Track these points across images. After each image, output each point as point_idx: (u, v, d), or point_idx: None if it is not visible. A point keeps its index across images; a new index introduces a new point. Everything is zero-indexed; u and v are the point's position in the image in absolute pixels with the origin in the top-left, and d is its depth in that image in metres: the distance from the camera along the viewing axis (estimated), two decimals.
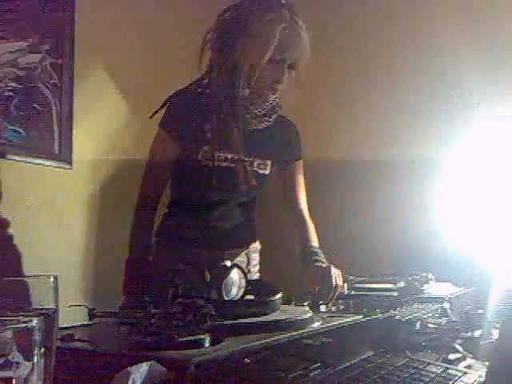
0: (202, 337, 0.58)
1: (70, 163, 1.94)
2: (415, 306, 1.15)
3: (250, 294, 0.91)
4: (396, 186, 2.33)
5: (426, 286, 1.41)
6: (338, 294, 1.28)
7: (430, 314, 1.10)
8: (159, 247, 1.46)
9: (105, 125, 2.13)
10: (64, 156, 1.91)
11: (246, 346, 0.59)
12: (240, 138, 1.35)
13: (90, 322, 0.79)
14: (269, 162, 1.48)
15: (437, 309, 1.17)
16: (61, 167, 1.92)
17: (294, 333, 0.68)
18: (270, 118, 1.44)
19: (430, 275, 1.47)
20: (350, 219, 2.50)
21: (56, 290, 0.61)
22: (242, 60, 1.31)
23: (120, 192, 2.12)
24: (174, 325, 0.59)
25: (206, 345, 0.58)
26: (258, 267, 1.58)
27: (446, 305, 1.24)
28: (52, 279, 0.62)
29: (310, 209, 1.61)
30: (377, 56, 2.57)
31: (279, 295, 0.83)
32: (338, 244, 2.47)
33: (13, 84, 1.77)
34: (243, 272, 0.95)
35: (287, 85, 1.38)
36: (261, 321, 0.71)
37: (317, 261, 1.38)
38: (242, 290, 0.92)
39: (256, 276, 1.55)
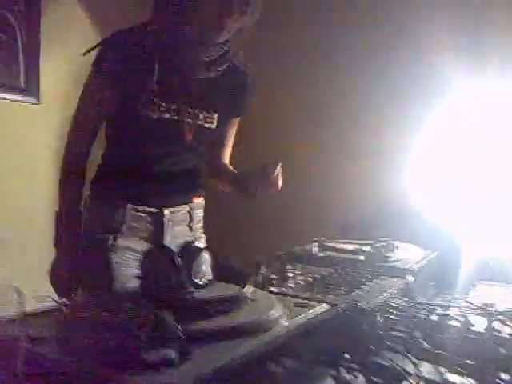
0: (172, 356, 0.58)
1: (38, 97, 1.84)
2: (379, 282, 1.19)
3: (220, 279, 0.92)
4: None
5: (390, 254, 1.45)
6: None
7: (395, 291, 1.14)
8: (92, 201, 1.37)
9: (74, 55, 2.00)
10: (31, 90, 1.81)
11: (215, 365, 0.59)
12: (185, 86, 1.25)
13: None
14: (215, 115, 1.36)
15: (400, 285, 1.21)
16: (28, 102, 1.82)
17: (263, 339, 0.70)
18: (220, 66, 1.30)
19: (397, 243, 1.50)
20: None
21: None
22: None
23: None
24: (141, 341, 0.59)
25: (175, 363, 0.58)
26: (201, 224, 1.51)
27: (410, 279, 1.29)
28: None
29: None
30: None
31: (251, 289, 0.84)
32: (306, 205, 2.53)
33: None
34: (214, 255, 0.95)
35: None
36: (230, 326, 0.72)
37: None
38: (210, 274, 0.93)
39: (200, 233, 1.51)
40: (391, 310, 1.00)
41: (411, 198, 1.98)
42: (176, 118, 1.27)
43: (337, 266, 1.32)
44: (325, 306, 0.90)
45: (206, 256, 0.95)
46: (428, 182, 1.89)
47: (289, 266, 1.28)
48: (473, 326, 1.00)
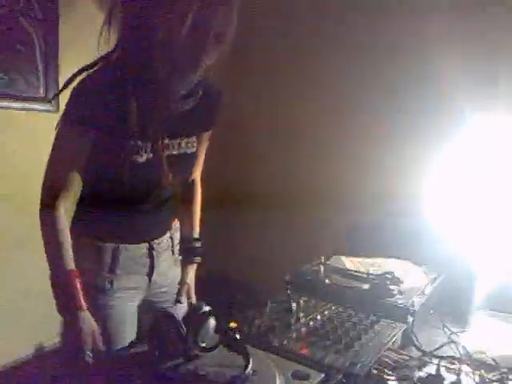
0: None
1: (58, 106, 1.87)
2: (378, 329, 1.24)
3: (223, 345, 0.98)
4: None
5: (394, 288, 1.49)
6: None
7: (391, 342, 1.20)
8: (76, 241, 1.24)
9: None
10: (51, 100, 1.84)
11: None
12: (164, 122, 1.21)
13: None
14: (195, 138, 1.35)
15: (398, 332, 1.26)
16: (48, 111, 1.85)
17: None
18: (196, 96, 1.26)
19: (401, 277, 1.54)
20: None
21: None
22: (156, 33, 1.09)
23: None
24: None
25: None
26: (178, 246, 1.50)
27: (410, 319, 1.34)
28: None
29: None
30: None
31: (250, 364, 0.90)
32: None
33: None
34: (216, 319, 1.01)
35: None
36: None
37: (194, 262, 1.47)
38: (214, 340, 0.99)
39: (178, 254, 1.50)
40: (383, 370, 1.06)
41: (427, 217, 1.99)
42: (155, 162, 1.23)
43: (339, 306, 1.38)
44: (320, 376, 0.96)
45: (211, 320, 1.02)
46: (445, 202, 1.89)
47: (293, 304, 1.34)
48: None
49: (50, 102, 1.82)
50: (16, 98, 1.74)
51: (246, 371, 0.89)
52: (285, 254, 2.53)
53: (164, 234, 1.42)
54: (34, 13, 1.70)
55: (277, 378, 0.92)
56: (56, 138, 1.18)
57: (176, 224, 1.50)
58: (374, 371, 1.07)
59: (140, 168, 1.20)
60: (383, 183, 2.35)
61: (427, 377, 1.09)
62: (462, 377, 1.10)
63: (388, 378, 1.06)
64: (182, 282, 1.45)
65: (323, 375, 0.97)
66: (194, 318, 0.99)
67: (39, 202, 1.20)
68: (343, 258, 1.80)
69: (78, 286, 1.15)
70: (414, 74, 2.29)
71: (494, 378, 1.16)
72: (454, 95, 1.96)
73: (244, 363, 0.91)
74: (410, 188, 2.25)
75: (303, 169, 2.67)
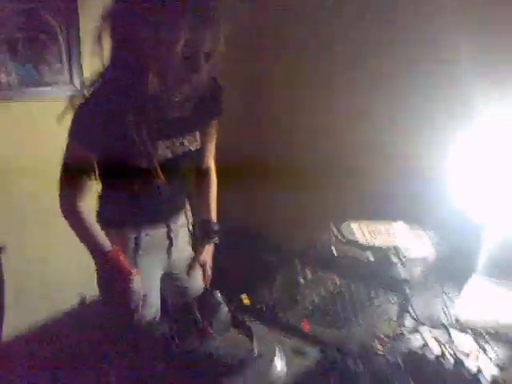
0: None
1: (82, 90, 1.98)
2: (376, 304, 1.39)
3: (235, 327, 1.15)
4: None
5: (396, 260, 1.61)
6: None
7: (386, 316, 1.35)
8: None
9: None
10: (75, 84, 1.96)
11: None
12: (167, 126, 1.31)
13: None
14: (198, 133, 1.44)
15: (396, 306, 1.41)
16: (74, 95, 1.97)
17: None
18: (193, 99, 1.34)
19: (406, 247, 1.65)
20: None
21: None
22: (148, 55, 1.17)
23: None
24: None
25: None
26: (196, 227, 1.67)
27: (407, 291, 1.48)
28: None
29: None
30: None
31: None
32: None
33: (18, 19, 1.72)
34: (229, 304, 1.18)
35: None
36: None
37: (214, 241, 1.61)
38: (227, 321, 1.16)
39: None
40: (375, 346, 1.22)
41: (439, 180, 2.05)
42: (168, 156, 1.34)
43: (344, 278, 1.52)
44: (317, 352, 1.13)
45: (224, 308, 1.19)
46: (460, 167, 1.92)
47: (301, 279, 1.50)
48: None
49: (74, 85, 1.94)
50: (45, 86, 1.87)
51: (252, 354, 1.06)
52: (305, 216, 2.67)
53: (179, 214, 1.57)
54: (55, 4, 1.78)
55: (278, 357, 1.09)
56: (66, 151, 1.29)
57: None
58: (367, 345, 1.23)
59: (147, 171, 1.31)
60: (397, 145, 2.40)
61: (415, 349, 1.25)
62: (446, 349, 1.25)
63: (379, 350, 1.21)
64: (196, 258, 1.61)
65: (319, 351, 1.14)
66: (209, 305, 1.16)
67: (60, 206, 1.34)
68: (353, 225, 1.92)
69: (122, 258, 1.36)
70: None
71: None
72: None
73: (250, 346, 1.08)
74: (424, 150, 2.30)
75: (320, 134, 2.73)
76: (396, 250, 1.62)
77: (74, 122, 1.26)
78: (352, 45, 2.51)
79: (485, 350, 1.30)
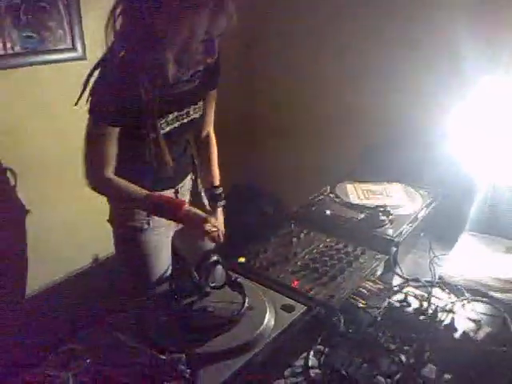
0: None
1: (85, 54, 2.03)
2: (361, 261, 1.48)
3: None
4: None
5: (385, 218, 1.69)
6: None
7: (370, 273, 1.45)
8: None
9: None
10: (77, 48, 2.00)
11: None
12: (175, 99, 1.40)
13: None
14: (201, 102, 1.54)
15: (379, 264, 1.51)
16: (76, 59, 2.02)
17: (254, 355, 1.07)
18: (198, 75, 1.43)
19: (391, 210, 1.73)
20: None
21: None
22: (167, 41, 1.24)
23: None
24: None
25: None
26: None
27: (393, 250, 1.57)
28: None
29: None
30: None
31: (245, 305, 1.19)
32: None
33: None
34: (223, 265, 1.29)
35: None
36: (228, 347, 1.08)
37: (221, 205, 1.70)
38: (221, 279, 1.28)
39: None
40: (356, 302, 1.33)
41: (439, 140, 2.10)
42: (175, 125, 1.45)
43: (335, 238, 1.62)
44: (303, 308, 1.24)
45: (219, 267, 1.30)
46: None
47: (294, 239, 1.60)
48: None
49: (77, 50, 1.99)
50: (49, 52, 1.92)
51: (243, 308, 1.17)
52: (306, 174, 2.75)
53: (185, 178, 1.68)
54: None
55: (267, 311, 1.20)
56: (88, 128, 1.37)
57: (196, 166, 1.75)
58: (350, 301, 1.34)
59: (159, 138, 1.39)
60: (399, 104, 2.43)
61: (395, 303, 1.36)
62: (424, 303, 1.36)
63: (360, 306, 1.32)
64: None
65: (306, 307, 1.25)
66: (206, 264, 1.27)
67: (88, 174, 1.41)
68: (348, 186, 2.00)
69: (163, 196, 1.48)
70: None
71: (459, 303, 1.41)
72: None
73: (242, 301, 1.19)
74: (427, 110, 2.34)
75: (319, 96, 2.76)
76: (384, 208, 1.70)
77: (93, 97, 1.32)
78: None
79: (463, 306, 1.41)
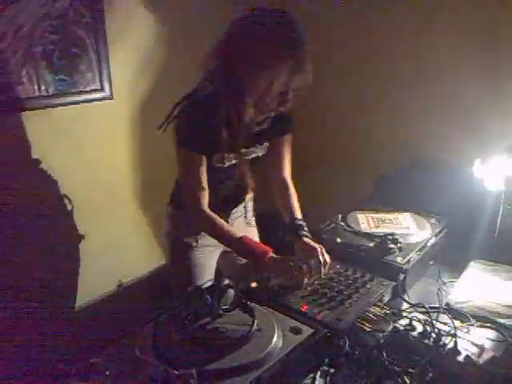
0: None
1: (112, 95, 2.20)
2: (369, 287, 1.54)
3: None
4: None
5: (393, 246, 1.75)
6: (327, 269, 1.58)
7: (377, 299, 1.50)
8: (174, 210, 1.79)
9: (136, 48, 2.28)
10: (105, 89, 2.17)
11: None
12: (245, 139, 1.56)
13: None
14: (266, 144, 1.71)
15: (387, 290, 1.56)
16: (105, 99, 2.19)
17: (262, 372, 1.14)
18: (269, 121, 1.62)
19: (401, 239, 1.79)
20: None
21: None
22: (250, 89, 1.41)
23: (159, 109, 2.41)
24: None
25: None
26: (252, 213, 1.96)
27: (401, 277, 1.63)
28: None
29: None
30: None
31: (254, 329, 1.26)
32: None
33: (52, 36, 1.93)
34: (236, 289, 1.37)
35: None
36: (238, 365, 1.16)
37: (305, 236, 1.70)
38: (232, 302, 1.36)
39: (253, 221, 1.97)
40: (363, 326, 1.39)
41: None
42: (236, 163, 1.62)
43: (344, 264, 1.68)
44: (311, 330, 1.31)
45: (230, 290, 1.38)
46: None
47: (304, 266, 1.66)
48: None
49: (105, 91, 2.16)
50: (79, 93, 2.09)
51: (252, 329, 1.25)
52: (321, 202, 2.83)
53: (238, 205, 1.84)
54: (83, 18, 1.98)
55: (275, 333, 1.27)
56: (180, 158, 1.56)
57: (250, 196, 1.89)
58: (357, 324, 1.40)
59: (225, 170, 1.62)
60: (411, 134, 2.52)
61: (400, 328, 1.41)
62: (429, 328, 1.41)
63: (366, 330, 1.38)
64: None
65: (313, 330, 1.32)
66: (218, 288, 1.35)
67: (190, 210, 1.60)
68: (359, 215, 2.07)
69: (252, 241, 1.59)
70: None
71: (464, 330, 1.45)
72: None
73: (251, 323, 1.27)
74: (438, 141, 2.43)
75: (337, 124, 2.87)
76: (393, 236, 1.76)
77: (181, 129, 1.52)
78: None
79: (467, 331, 1.45)
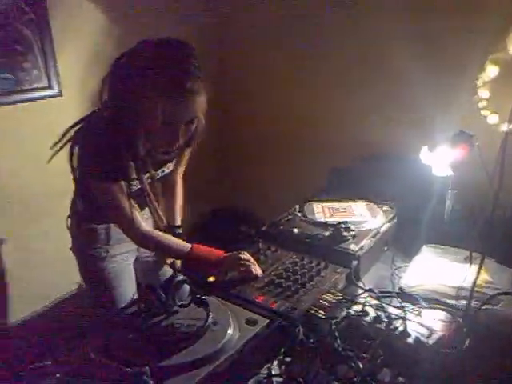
0: None
1: (61, 92, 2.15)
2: (323, 275, 1.58)
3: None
4: None
5: (347, 234, 1.79)
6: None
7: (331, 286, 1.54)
8: (76, 221, 1.69)
9: (84, 46, 2.23)
10: (53, 86, 2.11)
11: None
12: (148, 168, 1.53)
13: None
14: (175, 161, 1.71)
15: (341, 276, 1.60)
16: (53, 97, 2.14)
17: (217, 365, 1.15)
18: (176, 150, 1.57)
19: (353, 226, 1.83)
20: None
21: None
22: (138, 121, 1.38)
23: None
24: None
25: None
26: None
27: (354, 263, 1.67)
28: None
29: None
30: None
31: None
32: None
33: None
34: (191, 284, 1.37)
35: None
36: (192, 359, 1.16)
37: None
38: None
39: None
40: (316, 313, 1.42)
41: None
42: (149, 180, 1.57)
43: (300, 254, 1.71)
44: (266, 321, 1.32)
45: (185, 286, 1.38)
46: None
47: (261, 256, 1.69)
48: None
49: (53, 88, 2.11)
50: (25, 92, 2.03)
51: (207, 323, 1.25)
52: (281, 194, 2.86)
53: (144, 210, 1.73)
54: (26, 15, 1.92)
55: (231, 325, 1.28)
56: (96, 189, 1.49)
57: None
58: (311, 312, 1.42)
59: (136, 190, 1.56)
60: (364, 131, 2.59)
61: (353, 314, 1.44)
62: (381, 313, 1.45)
63: (320, 317, 1.41)
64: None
65: (268, 320, 1.34)
66: (173, 284, 1.35)
67: (129, 234, 1.56)
68: (314, 205, 2.11)
69: (204, 249, 1.57)
70: None
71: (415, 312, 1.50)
72: None
73: (206, 317, 1.27)
74: (385, 131, 2.49)
75: (298, 113, 2.90)
76: (346, 224, 1.80)
77: (87, 161, 1.45)
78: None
79: (418, 314, 1.50)
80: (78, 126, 1.48)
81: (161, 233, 1.59)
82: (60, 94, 2.14)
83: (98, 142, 1.43)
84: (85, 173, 1.50)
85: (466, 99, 2.19)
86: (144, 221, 1.70)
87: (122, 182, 1.50)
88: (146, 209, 1.74)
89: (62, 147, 1.49)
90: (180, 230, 1.81)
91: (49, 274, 2.44)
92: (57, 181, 2.31)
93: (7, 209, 2.23)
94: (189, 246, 1.57)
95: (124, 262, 1.75)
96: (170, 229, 1.79)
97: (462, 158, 1.67)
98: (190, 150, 1.73)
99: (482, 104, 2.21)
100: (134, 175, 1.49)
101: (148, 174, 1.53)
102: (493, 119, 2.18)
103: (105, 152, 1.42)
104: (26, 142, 2.16)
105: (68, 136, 1.48)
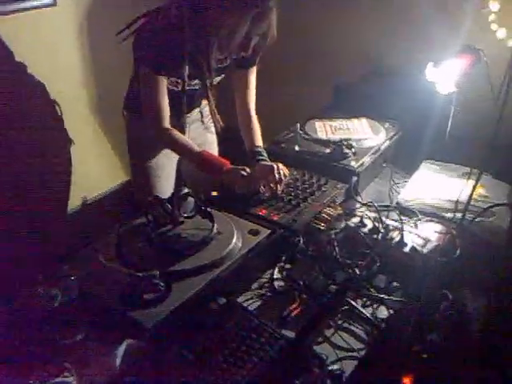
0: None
1: (55, 1, 2.06)
2: (324, 190, 1.62)
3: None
4: None
5: (348, 151, 1.81)
6: (283, 186, 1.60)
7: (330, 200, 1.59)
8: (133, 119, 1.82)
9: None
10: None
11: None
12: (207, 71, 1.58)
13: None
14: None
15: (341, 191, 1.65)
16: (46, 6, 2.05)
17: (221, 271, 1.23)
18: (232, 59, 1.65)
19: (355, 143, 1.84)
20: None
21: None
22: (214, 29, 1.44)
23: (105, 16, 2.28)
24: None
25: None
26: (209, 118, 1.91)
27: (353, 179, 1.70)
28: None
29: None
30: None
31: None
32: None
33: None
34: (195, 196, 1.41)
35: None
36: (198, 265, 1.22)
37: (262, 160, 1.70)
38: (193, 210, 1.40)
39: (212, 127, 1.97)
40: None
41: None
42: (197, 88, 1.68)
43: (302, 170, 1.74)
44: (268, 231, 1.38)
45: (190, 198, 1.42)
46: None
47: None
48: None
49: None
50: (19, 1, 1.96)
51: (212, 232, 1.31)
52: (280, 113, 2.84)
53: (193, 110, 1.86)
54: None
55: (234, 235, 1.34)
56: (140, 76, 1.57)
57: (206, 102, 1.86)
58: (312, 224, 1.48)
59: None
60: (369, 43, 2.51)
61: (351, 225, 1.50)
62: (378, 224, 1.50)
63: (320, 229, 1.47)
64: None
65: (270, 231, 1.39)
66: (178, 196, 1.39)
67: (152, 128, 1.63)
68: (316, 123, 2.10)
69: (211, 156, 1.65)
70: None
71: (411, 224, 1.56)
72: None
73: (211, 227, 1.33)
74: (396, 48, 2.42)
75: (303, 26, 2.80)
76: (347, 141, 1.81)
77: (141, 48, 1.50)
78: None
79: (415, 226, 1.56)
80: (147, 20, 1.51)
81: (179, 134, 1.65)
82: (54, 3, 2.06)
83: (157, 36, 1.48)
84: (140, 58, 1.54)
85: (475, 13, 2.12)
86: (190, 123, 1.83)
87: (177, 80, 1.58)
88: (195, 110, 1.88)
89: (127, 37, 1.52)
90: (260, 149, 1.76)
91: None
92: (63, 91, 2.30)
93: None
94: (198, 149, 1.63)
95: (171, 157, 1.88)
96: (251, 149, 1.78)
97: (468, 69, 1.65)
98: (254, 72, 1.80)
99: (491, 17, 2.14)
100: (185, 75, 1.55)
101: (208, 79, 1.60)
102: (501, 33, 2.12)
103: (163, 44, 1.48)
104: (24, 53, 2.11)
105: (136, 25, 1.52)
